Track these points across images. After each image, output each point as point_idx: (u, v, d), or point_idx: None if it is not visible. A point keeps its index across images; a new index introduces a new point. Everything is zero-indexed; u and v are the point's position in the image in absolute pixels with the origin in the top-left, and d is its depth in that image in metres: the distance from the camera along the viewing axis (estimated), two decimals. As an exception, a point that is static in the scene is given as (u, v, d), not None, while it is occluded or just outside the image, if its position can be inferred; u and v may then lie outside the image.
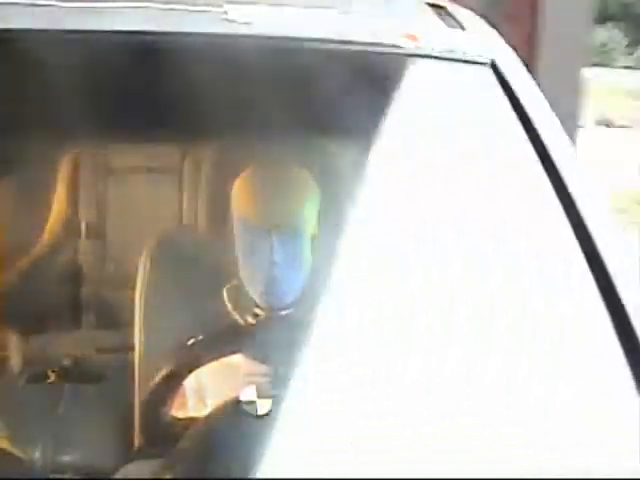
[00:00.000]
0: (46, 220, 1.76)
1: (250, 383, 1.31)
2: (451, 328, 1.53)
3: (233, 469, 1.24)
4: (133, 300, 1.66)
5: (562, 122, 1.55)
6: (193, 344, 1.59)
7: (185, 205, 1.81)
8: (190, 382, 1.52)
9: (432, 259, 1.90)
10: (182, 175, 1.81)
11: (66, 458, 1.49)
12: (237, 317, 1.61)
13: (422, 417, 1.51)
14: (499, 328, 1.65)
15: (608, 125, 11.26)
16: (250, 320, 1.60)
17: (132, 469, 1.38)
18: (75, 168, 1.83)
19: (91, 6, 1.58)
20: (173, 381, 1.50)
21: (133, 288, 1.67)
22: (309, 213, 1.62)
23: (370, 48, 1.56)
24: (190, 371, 1.50)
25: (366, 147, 1.58)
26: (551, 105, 1.59)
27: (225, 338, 1.58)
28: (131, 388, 1.58)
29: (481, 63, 1.60)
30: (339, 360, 1.59)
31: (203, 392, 1.52)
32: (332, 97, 1.44)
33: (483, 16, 1.86)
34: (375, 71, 1.58)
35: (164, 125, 1.44)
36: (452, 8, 1.81)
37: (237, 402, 1.29)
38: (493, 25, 1.80)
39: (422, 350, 1.68)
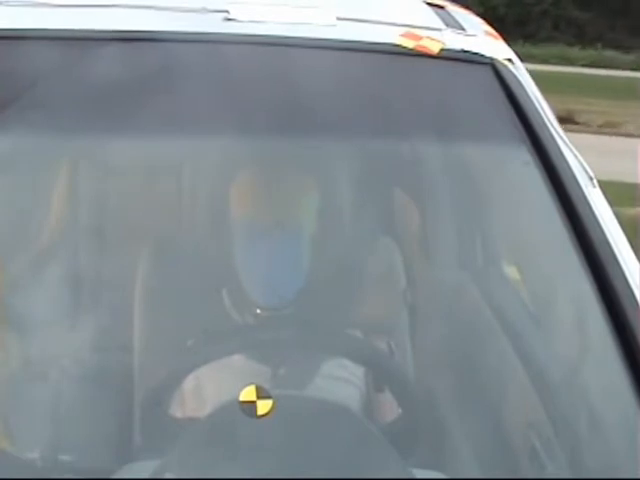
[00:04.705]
0: (46, 220, 1.76)
1: (250, 383, 1.31)
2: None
3: (233, 469, 1.24)
4: (133, 300, 1.66)
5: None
6: (193, 344, 1.59)
7: (185, 205, 1.81)
8: (190, 382, 1.52)
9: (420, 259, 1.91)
10: (182, 175, 1.81)
11: (66, 458, 1.49)
12: (237, 317, 1.61)
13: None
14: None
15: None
16: (250, 320, 1.60)
17: (132, 469, 1.38)
18: (75, 168, 1.83)
19: (92, 5, 1.58)
20: (173, 381, 1.50)
21: (133, 288, 1.67)
22: (308, 213, 1.62)
23: (370, 48, 1.56)
24: (190, 371, 1.50)
25: (366, 147, 1.58)
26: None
27: (225, 338, 1.57)
28: (131, 388, 1.58)
29: (481, 63, 1.60)
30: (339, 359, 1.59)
31: (203, 392, 1.52)
32: (332, 97, 1.44)
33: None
34: (375, 71, 1.58)
35: (164, 124, 1.44)
36: (451, 8, 1.81)
37: (237, 402, 1.29)
38: (492, 25, 1.81)
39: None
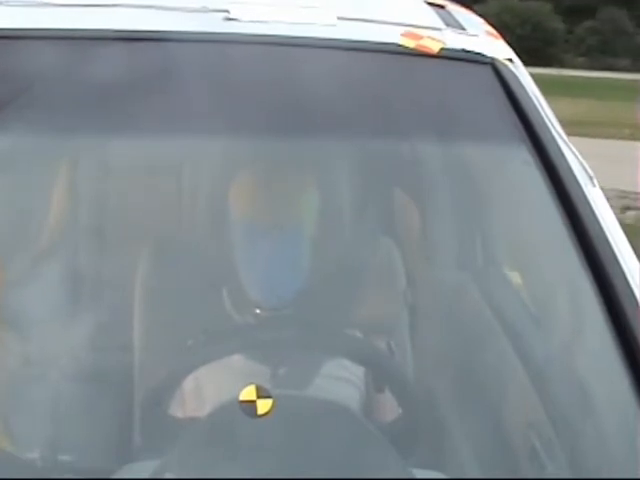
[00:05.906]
0: (46, 220, 1.76)
1: (250, 383, 1.31)
2: None
3: (233, 469, 1.24)
4: (133, 300, 1.66)
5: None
6: (193, 344, 1.59)
7: (185, 205, 1.81)
8: (190, 382, 1.52)
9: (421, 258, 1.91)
10: (182, 174, 1.81)
11: (66, 458, 1.49)
12: (237, 317, 1.61)
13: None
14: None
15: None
16: (250, 320, 1.60)
17: (132, 469, 1.38)
18: (75, 167, 1.83)
19: (92, 5, 1.58)
20: (173, 381, 1.50)
21: (133, 288, 1.67)
22: (308, 213, 1.62)
23: (370, 47, 1.56)
24: (190, 371, 1.50)
25: (366, 147, 1.58)
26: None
27: (225, 338, 1.57)
28: (131, 388, 1.58)
29: (481, 63, 1.60)
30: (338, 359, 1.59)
31: (203, 392, 1.52)
32: (332, 97, 1.44)
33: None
34: (375, 70, 1.58)
35: (164, 124, 1.44)
36: (452, 8, 1.81)
37: (237, 402, 1.29)
38: (492, 24, 1.81)
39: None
